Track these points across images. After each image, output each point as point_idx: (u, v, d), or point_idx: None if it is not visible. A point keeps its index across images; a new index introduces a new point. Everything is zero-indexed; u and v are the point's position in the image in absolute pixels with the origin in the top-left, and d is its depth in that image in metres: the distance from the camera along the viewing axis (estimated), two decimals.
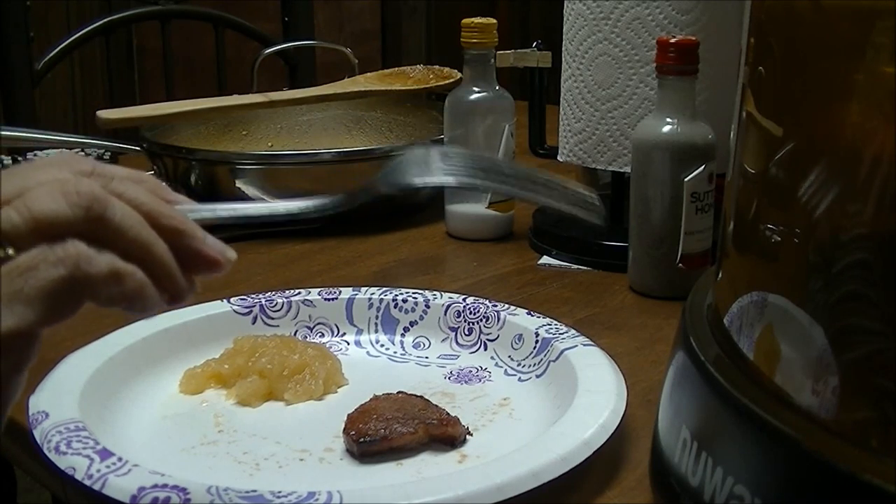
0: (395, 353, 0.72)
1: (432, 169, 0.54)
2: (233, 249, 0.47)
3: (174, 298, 0.46)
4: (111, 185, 0.44)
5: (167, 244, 0.45)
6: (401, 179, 0.54)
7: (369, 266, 0.91)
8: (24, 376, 0.44)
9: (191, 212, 0.48)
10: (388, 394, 0.62)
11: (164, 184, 0.48)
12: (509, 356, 0.69)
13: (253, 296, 0.75)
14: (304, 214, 0.52)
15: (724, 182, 0.54)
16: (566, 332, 0.68)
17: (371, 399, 0.62)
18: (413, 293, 0.75)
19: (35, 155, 1.15)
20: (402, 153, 0.55)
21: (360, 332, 0.74)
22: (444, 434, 0.59)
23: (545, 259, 0.92)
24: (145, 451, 0.58)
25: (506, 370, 0.69)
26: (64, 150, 1.16)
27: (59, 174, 0.43)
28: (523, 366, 0.68)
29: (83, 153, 1.16)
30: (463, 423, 0.60)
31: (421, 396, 0.63)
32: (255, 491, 0.50)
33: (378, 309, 0.74)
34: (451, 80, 1.15)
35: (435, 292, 0.75)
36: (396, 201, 1.05)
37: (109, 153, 1.18)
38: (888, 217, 0.39)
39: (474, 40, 0.94)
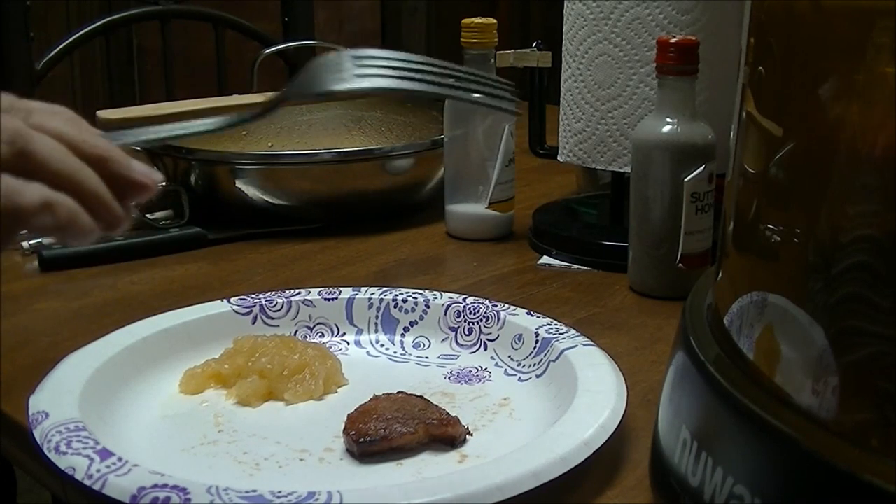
0: (395, 353, 0.72)
1: (346, 74, 0.53)
2: (159, 172, 0.49)
3: (110, 225, 0.47)
4: (31, 119, 0.45)
5: (94, 171, 0.46)
6: (315, 87, 0.53)
7: (369, 266, 0.91)
8: None
9: (113, 139, 0.48)
10: (388, 394, 0.62)
11: (78, 116, 0.48)
12: (509, 356, 0.69)
13: (253, 296, 0.75)
14: (222, 129, 0.53)
15: (724, 182, 0.54)
16: (566, 332, 0.68)
17: (371, 399, 0.62)
18: (413, 293, 0.75)
19: None
20: (314, 61, 0.55)
21: (360, 332, 0.74)
22: (444, 434, 0.59)
23: (545, 259, 0.92)
24: (145, 451, 0.58)
25: (506, 370, 0.69)
26: None
27: None
28: (523, 366, 0.68)
29: None
30: (463, 423, 0.60)
31: (421, 396, 0.63)
32: (255, 491, 0.50)
33: (378, 309, 0.74)
34: None
35: (435, 292, 0.75)
36: (396, 201, 1.05)
37: None
38: (888, 218, 0.39)
39: (474, 40, 0.94)
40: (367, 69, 0.54)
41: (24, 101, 0.46)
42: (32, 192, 0.43)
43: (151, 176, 0.48)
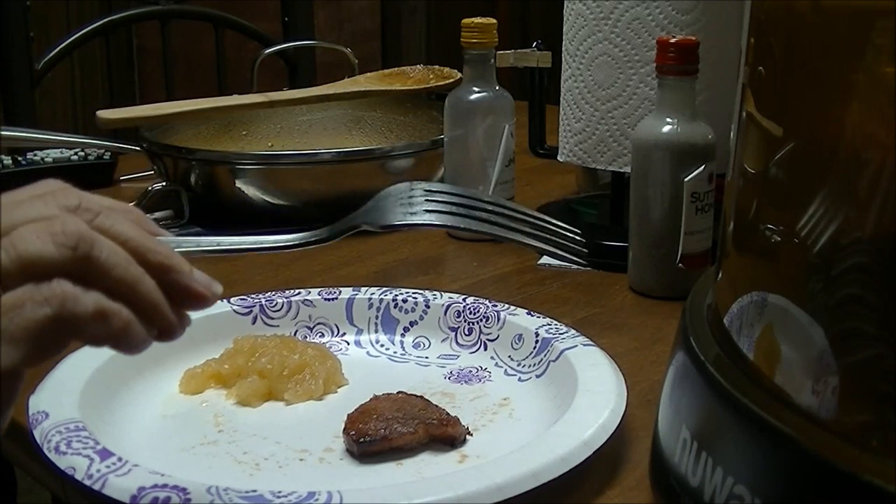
0: (395, 353, 0.72)
1: (416, 209, 0.54)
2: (219, 283, 0.47)
3: (164, 334, 0.46)
4: (97, 220, 0.44)
5: (154, 279, 0.45)
6: (384, 219, 0.54)
7: (369, 266, 0.91)
8: (8, 415, 0.45)
9: (176, 245, 0.48)
10: (388, 394, 0.62)
11: (147, 216, 0.47)
12: (509, 356, 0.69)
13: (253, 296, 0.75)
14: (287, 247, 0.53)
15: (724, 182, 0.54)
16: (566, 332, 0.68)
17: (371, 399, 0.62)
18: (413, 293, 0.75)
19: (35, 155, 1.15)
20: (384, 192, 0.56)
21: (360, 332, 0.74)
22: (444, 434, 0.59)
23: (545, 259, 0.92)
24: (145, 451, 0.58)
25: (506, 370, 0.69)
26: (64, 149, 1.17)
27: (45, 210, 0.43)
28: (523, 366, 0.68)
29: (83, 153, 1.17)
30: (463, 423, 0.60)
31: (421, 396, 0.63)
32: (255, 491, 0.50)
33: (378, 309, 0.74)
34: (451, 80, 1.15)
35: (435, 292, 0.75)
36: None
37: (109, 153, 1.18)
38: (888, 219, 0.39)
39: (474, 40, 0.94)
40: (437, 205, 0.55)
41: (92, 199, 0.45)
42: (88, 301, 0.42)
43: (211, 288, 0.46)
